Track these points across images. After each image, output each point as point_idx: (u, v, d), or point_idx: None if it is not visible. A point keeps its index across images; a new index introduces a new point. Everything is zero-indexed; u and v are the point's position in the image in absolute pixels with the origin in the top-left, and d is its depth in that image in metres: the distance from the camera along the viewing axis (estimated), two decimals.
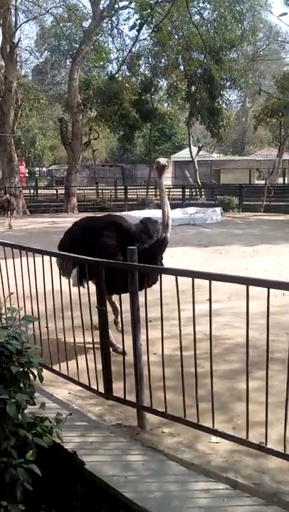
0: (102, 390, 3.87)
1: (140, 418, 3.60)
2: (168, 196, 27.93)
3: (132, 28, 4.64)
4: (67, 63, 32.32)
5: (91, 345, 4.10)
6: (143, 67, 30.25)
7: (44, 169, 51.89)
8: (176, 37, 26.15)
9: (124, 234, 4.80)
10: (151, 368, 3.55)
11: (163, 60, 28.26)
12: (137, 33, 4.80)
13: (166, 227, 4.62)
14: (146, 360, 3.57)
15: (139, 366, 3.55)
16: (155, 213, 19.18)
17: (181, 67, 28.20)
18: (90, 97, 27.72)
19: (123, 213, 20.77)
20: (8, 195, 18.84)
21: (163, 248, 4.66)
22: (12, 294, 4.03)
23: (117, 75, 24.83)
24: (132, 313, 3.55)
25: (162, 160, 4.79)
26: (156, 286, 3.65)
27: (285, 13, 4.23)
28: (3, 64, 24.06)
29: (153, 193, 27.99)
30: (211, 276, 3.17)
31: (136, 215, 18.03)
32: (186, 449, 3.31)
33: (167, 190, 29.04)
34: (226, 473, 3.01)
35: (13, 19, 24.75)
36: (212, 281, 3.11)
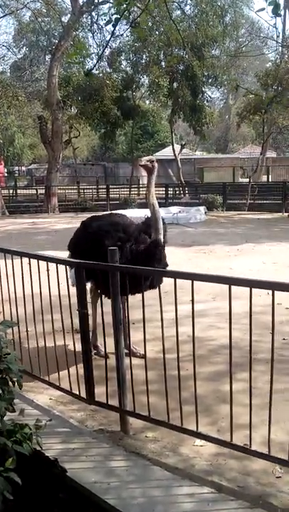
0: (84, 394, 3.86)
1: (123, 423, 3.60)
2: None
3: (107, 23, 4.63)
4: (47, 59, 32.10)
5: (72, 350, 4.08)
6: (124, 63, 30.25)
7: (23, 168, 51.49)
8: (157, 33, 26.18)
9: (123, 234, 4.79)
10: (134, 371, 3.55)
11: (144, 56, 28.28)
12: (113, 28, 4.77)
13: (156, 231, 4.61)
14: (129, 364, 3.56)
15: (122, 370, 3.55)
16: (138, 213, 19.22)
17: (163, 64, 28.25)
18: (70, 94, 27.57)
19: (106, 213, 20.77)
20: None
21: (157, 250, 4.63)
22: None
23: (94, 71, 24.81)
24: (114, 315, 3.54)
25: (153, 158, 4.85)
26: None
27: (263, 9, 4.25)
28: None
29: (136, 193, 28.05)
30: (193, 277, 3.18)
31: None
32: (170, 453, 3.32)
33: None
34: (211, 476, 3.03)
35: None
36: (195, 282, 3.13)
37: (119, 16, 3.99)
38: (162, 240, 4.62)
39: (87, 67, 24.46)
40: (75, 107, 29.38)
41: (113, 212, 5.83)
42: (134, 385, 3.54)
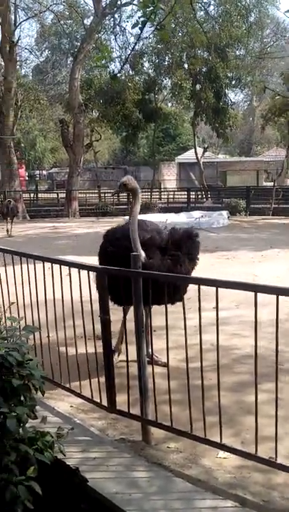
0: (105, 402, 3.87)
1: (145, 432, 3.59)
2: (172, 199, 27.72)
3: (134, 26, 4.67)
4: (69, 62, 32.53)
5: (94, 356, 4.10)
6: (146, 65, 30.44)
7: (44, 172, 52.07)
8: (180, 34, 26.28)
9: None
10: (156, 380, 3.55)
11: (167, 58, 28.41)
12: (139, 31, 4.80)
13: (136, 250, 4.52)
14: (151, 372, 3.56)
15: (144, 378, 3.55)
16: (159, 217, 19.27)
17: (186, 66, 28.31)
18: (92, 97, 27.85)
19: (126, 218, 20.83)
20: (7, 200, 18.72)
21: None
22: (13, 303, 4.04)
23: (119, 74, 24.96)
24: (136, 322, 3.55)
25: (126, 179, 4.81)
26: None
27: None
28: (3, 64, 24.20)
29: (157, 197, 28.09)
30: (218, 283, 3.17)
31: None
32: (193, 464, 3.30)
33: (172, 192, 29.20)
34: (234, 490, 3.00)
35: (13, 17, 24.95)
36: (219, 289, 3.11)
37: (146, 19, 4.01)
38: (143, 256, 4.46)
39: (109, 69, 24.66)
40: (96, 110, 29.66)
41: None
42: (156, 394, 3.54)
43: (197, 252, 4.99)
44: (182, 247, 4.67)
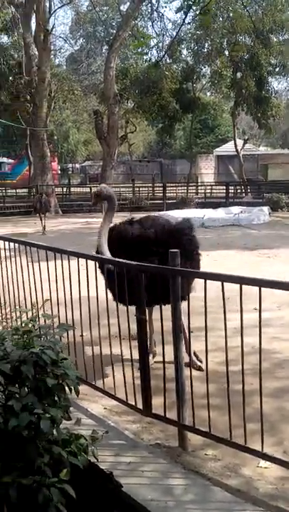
0: (140, 405, 3.88)
1: (181, 438, 3.58)
2: (210, 193, 27.37)
3: (178, 10, 4.68)
4: (104, 51, 32.70)
5: (129, 357, 4.12)
6: (184, 53, 30.29)
7: (77, 165, 52.62)
8: (221, 19, 26.00)
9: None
10: (193, 383, 3.53)
11: (206, 45, 28.19)
12: (184, 16, 4.77)
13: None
14: (189, 375, 3.55)
15: (181, 381, 3.54)
16: (196, 213, 19.16)
17: (226, 53, 28.03)
18: (127, 87, 27.94)
19: (161, 213, 20.82)
20: (39, 194, 18.92)
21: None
22: (47, 300, 4.09)
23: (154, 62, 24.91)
24: (174, 322, 3.54)
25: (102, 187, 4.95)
26: (199, 293, 3.62)
27: None
28: (37, 53, 24.48)
29: (194, 191, 27.95)
30: (260, 283, 3.12)
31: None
32: (232, 473, 3.27)
33: (209, 187, 28.98)
34: (276, 501, 2.96)
35: (48, 5, 25.23)
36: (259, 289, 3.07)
37: (191, 2, 3.99)
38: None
39: (146, 57, 24.66)
40: (131, 101, 29.74)
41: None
42: (194, 398, 3.52)
43: (194, 248, 4.88)
44: (171, 244, 4.42)
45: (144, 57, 25.59)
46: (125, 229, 5.00)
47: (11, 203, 25.61)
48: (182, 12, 4.62)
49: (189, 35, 28.40)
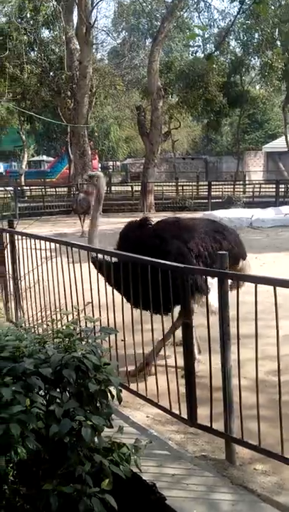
0: (184, 415, 3.87)
1: (229, 451, 3.55)
2: (258, 192, 26.96)
3: (232, 0, 4.64)
4: (147, 44, 32.83)
5: (173, 364, 4.11)
6: (233, 44, 30.02)
7: (118, 163, 52.98)
8: (273, 7, 25.63)
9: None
10: (241, 393, 3.49)
11: (256, 35, 27.84)
12: (239, 5, 4.73)
13: None
14: (237, 385, 3.51)
15: (229, 390, 3.50)
16: (243, 213, 18.92)
17: (278, 43, 27.61)
18: (172, 81, 27.89)
19: (206, 213, 20.69)
20: (79, 193, 19.06)
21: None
22: (89, 303, 4.13)
23: (198, 54, 24.79)
24: (221, 329, 3.51)
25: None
26: (245, 298, 3.57)
27: None
28: (78, 47, 24.80)
29: (241, 190, 27.65)
30: None
31: (220, 215, 17.83)
32: (283, 490, 3.22)
33: (257, 185, 28.61)
34: None
35: None
36: None
37: None
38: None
39: (191, 50, 24.58)
40: (176, 95, 29.68)
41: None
42: (242, 409, 3.48)
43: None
44: None
45: (190, 49, 25.48)
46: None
47: (50, 202, 26.03)
48: (237, 1, 4.58)
49: (238, 25, 28.14)
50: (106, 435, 2.99)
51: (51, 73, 27.18)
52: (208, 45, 28.96)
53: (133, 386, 4.35)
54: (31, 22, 25.91)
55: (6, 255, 6.57)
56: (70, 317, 3.52)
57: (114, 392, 2.96)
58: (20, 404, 2.58)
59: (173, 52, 30.70)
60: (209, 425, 3.68)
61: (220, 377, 3.55)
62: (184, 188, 28.50)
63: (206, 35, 28.73)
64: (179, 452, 3.62)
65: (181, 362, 3.99)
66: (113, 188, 32.92)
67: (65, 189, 28.03)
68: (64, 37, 25.34)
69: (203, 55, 26.95)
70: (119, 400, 2.93)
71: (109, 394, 2.92)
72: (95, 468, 2.83)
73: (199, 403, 3.83)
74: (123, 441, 3.01)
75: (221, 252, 3.52)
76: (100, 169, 43.55)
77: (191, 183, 30.03)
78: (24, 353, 2.89)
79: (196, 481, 3.26)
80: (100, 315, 4.77)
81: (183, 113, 31.15)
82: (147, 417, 4.22)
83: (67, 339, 3.02)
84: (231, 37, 29.11)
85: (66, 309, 4.66)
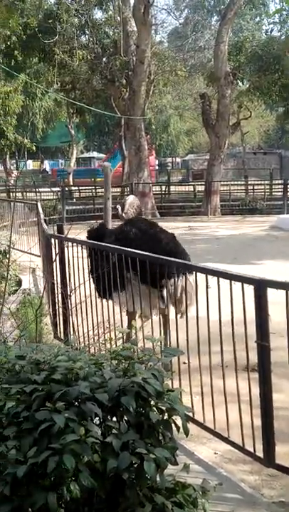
0: (260, 453, 3.80)
1: None
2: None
3: None
4: (214, 23, 32.86)
5: (246, 392, 4.05)
6: None
7: (178, 160, 53.13)
8: None
9: None
10: None
11: None
12: None
13: None
14: None
15: None
16: None
17: None
18: (242, 65, 27.72)
19: (281, 216, 20.39)
20: (130, 195, 19.19)
21: None
22: (147, 320, 4.15)
23: (274, 33, 24.52)
24: None
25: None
26: None
27: None
28: (135, 30, 25.07)
29: None
30: None
31: None
32: None
33: None
34: None
35: None
36: None
37: None
38: None
39: (266, 28, 24.38)
40: (247, 81, 29.49)
41: None
42: None
43: None
44: None
45: (264, 28, 25.34)
46: None
47: (101, 205, 26.38)
48: None
49: None
50: (168, 473, 2.97)
51: (104, 59, 27.56)
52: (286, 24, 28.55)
53: (198, 417, 4.31)
54: (82, 2, 26.41)
55: (54, 266, 6.60)
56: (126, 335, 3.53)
57: (179, 423, 2.93)
58: (75, 433, 2.60)
59: (243, 31, 30.52)
60: None
61: None
62: (255, 187, 28.22)
63: (284, 12, 28.39)
64: (254, 497, 3.57)
65: (255, 390, 3.93)
66: (172, 188, 33.00)
67: (118, 190, 28.28)
68: (119, 18, 25.69)
69: (279, 33, 26.61)
70: (186, 432, 2.89)
71: (173, 425, 2.90)
72: (156, 511, 2.81)
73: (278, 439, 3.75)
74: (188, 481, 2.98)
75: None
76: (157, 166, 43.83)
77: (263, 182, 29.70)
78: (78, 375, 2.91)
79: None
80: (160, 334, 4.79)
81: (254, 101, 30.91)
82: (215, 453, 4.18)
83: (126, 361, 3.02)
84: None
85: (121, 326, 4.70)
